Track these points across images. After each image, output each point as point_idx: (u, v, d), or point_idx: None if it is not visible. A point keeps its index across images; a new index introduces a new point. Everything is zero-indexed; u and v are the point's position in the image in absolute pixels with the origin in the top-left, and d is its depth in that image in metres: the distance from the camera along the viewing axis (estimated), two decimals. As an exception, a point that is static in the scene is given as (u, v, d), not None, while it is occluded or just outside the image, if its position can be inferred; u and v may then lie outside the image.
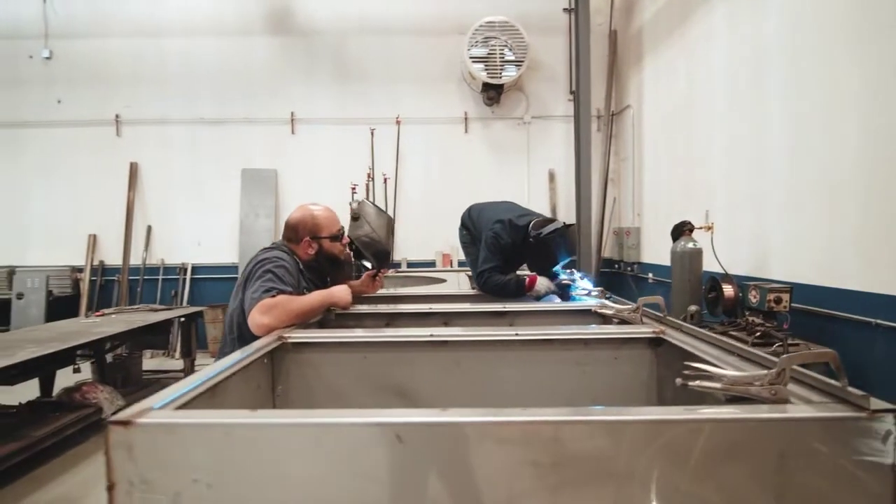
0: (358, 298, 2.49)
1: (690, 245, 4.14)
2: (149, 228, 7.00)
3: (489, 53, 6.32)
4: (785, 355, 1.05)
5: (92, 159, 6.96)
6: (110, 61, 6.95)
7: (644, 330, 1.73)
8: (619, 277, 6.53)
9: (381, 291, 2.47)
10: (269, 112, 6.91)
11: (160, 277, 6.97)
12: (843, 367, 1.01)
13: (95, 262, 6.96)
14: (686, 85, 5.08)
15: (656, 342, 1.71)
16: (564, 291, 2.69)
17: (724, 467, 0.89)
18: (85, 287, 6.84)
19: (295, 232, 2.19)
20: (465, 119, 6.85)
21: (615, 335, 1.72)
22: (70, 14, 6.94)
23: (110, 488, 0.79)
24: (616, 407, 0.91)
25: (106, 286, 6.98)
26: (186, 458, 0.81)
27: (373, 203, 2.34)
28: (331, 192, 6.65)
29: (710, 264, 4.01)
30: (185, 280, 6.94)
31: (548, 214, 6.73)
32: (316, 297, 1.99)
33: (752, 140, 4.01)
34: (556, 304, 2.27)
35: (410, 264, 6.70)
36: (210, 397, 1.20)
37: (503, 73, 6.36)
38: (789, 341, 3.17)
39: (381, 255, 2.24)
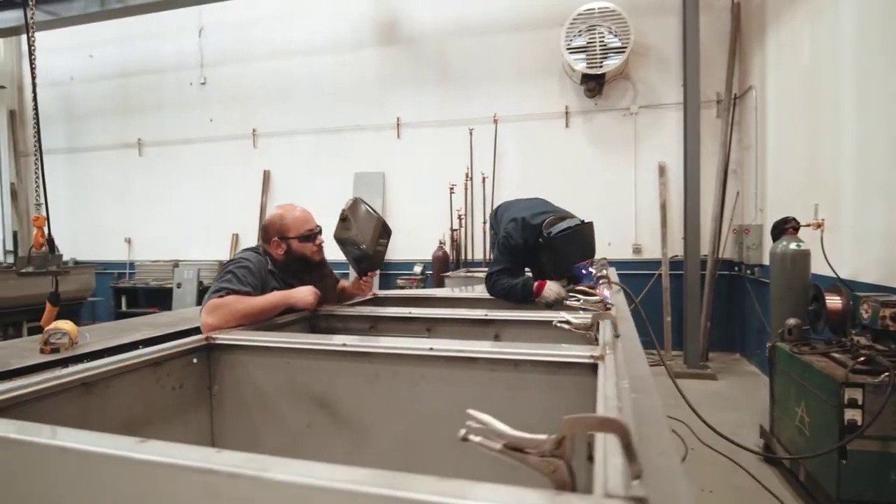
0: (354, 301, 2.54)
1: (794, 245, 3.52)
2: (278, 229, 7.81)
3: (588, 43, 5.94)
4: (567, 417, 0.69)
5: (235, 168, 7.99)
6: (249, 82, 7.90)
7: (581, 353, 1.50)
8: (738, 281, 5.73)
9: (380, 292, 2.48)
10: (377, 119, 7.28)
11: (287, 273, 7.75)
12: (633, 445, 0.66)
13: (237, 259, 7.98)
14: (810, 57, 4.28)
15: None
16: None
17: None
18: (228, 280, 7.87)
19: (266, 232, 2.21)
20: (566, 113, 6.52)
21: (546, 357, 1.51)
22: (218, 44, 8.02)
23: None
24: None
25: (244, 280, 7.96)
26: None
27: (367, 205, 2.34)
28: (433, 193, 6.84)
29: (825, 269, 3.38)
30: (306, 275, 7.65)
31: (658, 211, 6.18)
32: (270, 298, 1.98)
33: (887, 120, 3.25)
34: (535, 314, 2.07)
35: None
36: (81, 395, 1.31)
37: (604, 63, 5.93)
38: (901, 372, 2.54)
39: (363, 259, 2.20)
